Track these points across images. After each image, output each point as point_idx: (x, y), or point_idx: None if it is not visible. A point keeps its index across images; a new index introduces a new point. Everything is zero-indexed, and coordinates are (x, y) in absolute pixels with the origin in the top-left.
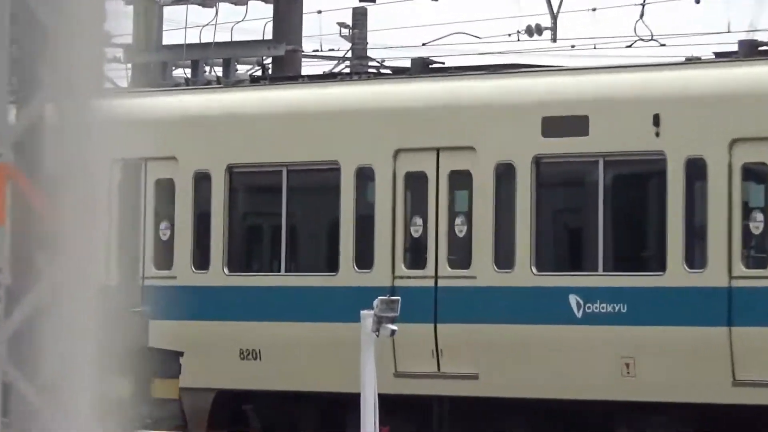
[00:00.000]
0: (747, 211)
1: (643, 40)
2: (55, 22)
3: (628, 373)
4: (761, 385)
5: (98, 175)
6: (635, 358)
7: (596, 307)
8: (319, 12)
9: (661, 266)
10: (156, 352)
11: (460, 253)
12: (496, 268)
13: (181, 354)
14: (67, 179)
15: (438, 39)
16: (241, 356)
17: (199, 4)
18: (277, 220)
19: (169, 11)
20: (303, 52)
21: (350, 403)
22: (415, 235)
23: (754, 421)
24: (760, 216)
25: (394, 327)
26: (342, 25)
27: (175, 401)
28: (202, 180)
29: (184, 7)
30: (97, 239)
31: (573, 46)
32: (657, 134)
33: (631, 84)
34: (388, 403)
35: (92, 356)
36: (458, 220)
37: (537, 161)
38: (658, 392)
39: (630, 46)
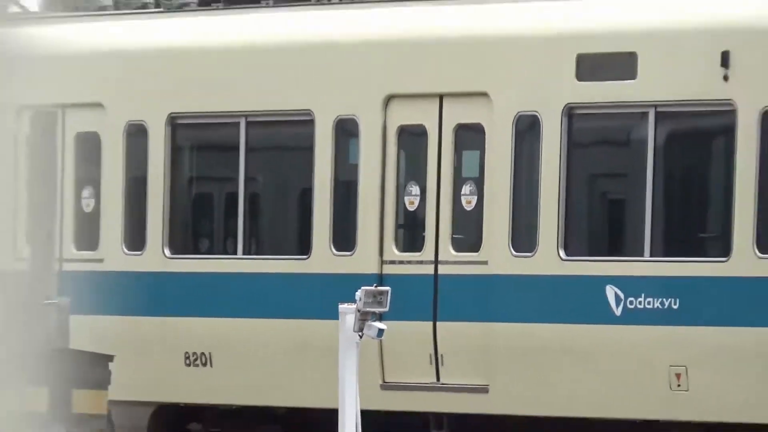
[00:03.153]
0: None
1: None
2: None
3: (679, 386)
4: None
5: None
6: (687, 366)
7: (639, 302)
8: None
9: (725, 249)
10: (78, 356)
11: (468, 231)
12: (513, 251)
13: (110, 358)
14: None
15: None
16: (187, 362)
17: None
18: (234, 187)
19: None
20: None
21: (325, 421)
22: (411, 207)
23: None
24: None
25: (381, 326)
26: None
27: (103, 417)
28: (136, 134)
29: None
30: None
31: None
32: (725, 77)
33: (693, 13)
34: (374, 423)
35: None
36: (466, 189)
37: (568, 111)
38: (714, 411)
39: None
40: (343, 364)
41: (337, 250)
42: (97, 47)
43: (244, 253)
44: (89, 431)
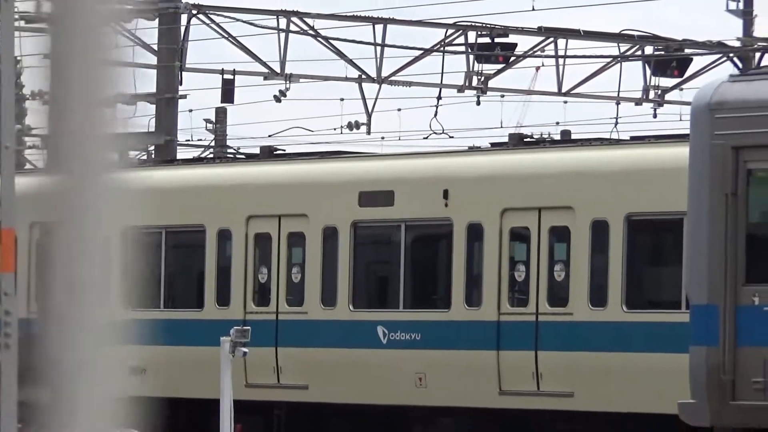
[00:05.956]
0: (513, 264)
1: (436, 133)
2: None
3: (421, 384)
4: (520, 394)
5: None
6: (426, 373)
7: (397, 335)
8: (190, 110)
9: (447, 305)
10: None
11: (296, 295)
12: (322, 306)
13: None
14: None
15: (281, 132)
16: (130, 371)
17: None
18: (158, 269)
19: None
20: (178, 141)
21: (213, 406)
22: (262, 280)
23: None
24: (522, 267)
25: (245, 350)
26: (207, 120)
27: None
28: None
29: None
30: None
31: (383, 137)
32: (446, 205)
33: (427, 166)
34: (240, 408)
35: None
36: (294, 270)
37: (354, 225)
38: (443, 399)
39: (426, 138)
40: (223, 372)
41: (219, 305)
42: None
43: (164, 307)
44: None
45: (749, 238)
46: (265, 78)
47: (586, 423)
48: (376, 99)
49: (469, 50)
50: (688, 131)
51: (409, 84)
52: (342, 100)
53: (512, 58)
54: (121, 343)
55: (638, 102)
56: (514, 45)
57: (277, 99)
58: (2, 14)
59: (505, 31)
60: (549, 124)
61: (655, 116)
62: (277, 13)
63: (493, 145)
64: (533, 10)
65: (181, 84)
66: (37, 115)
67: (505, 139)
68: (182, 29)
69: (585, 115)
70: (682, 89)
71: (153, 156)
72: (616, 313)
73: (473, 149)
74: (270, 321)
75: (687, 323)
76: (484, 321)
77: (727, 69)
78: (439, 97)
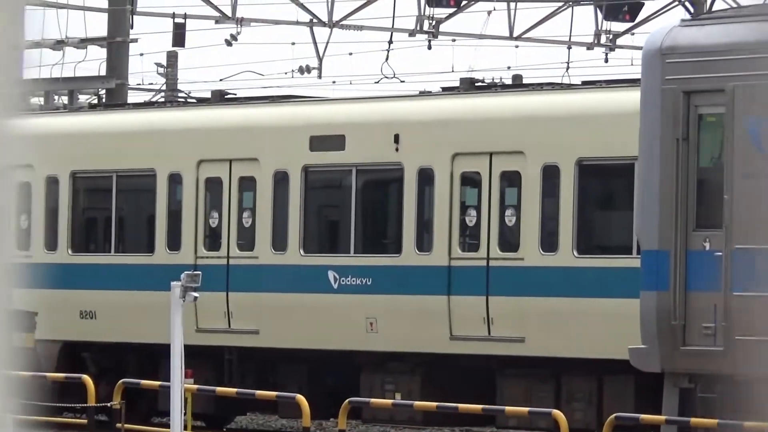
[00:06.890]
0: (464, 208)
1: (387, 77)
2: None
3: (372, 329)
4: (470, 339)
5: None
6: (377, 318)
7: (348, 280)
8: (141, 54)
9: (398, 249)
10: (17, 313)
11: (247, 239)
12: (273, 251)
13: (35, 314)
14: None
15: (232, 76)
16: (81, 316)
17: (50, 48)
18: (109, 214)
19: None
20: (129, 85)
21: (163, 351)
22: (213, 225)
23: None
24: (473, 212)
25: (196, 294)
26: (159, 65)
27: (32, 349)
28: (53, 183)
29: (39, 50)
30: None
31: (334, 82)
32: (396, 149)
33: (378, 111)
34: (191, 353)
35: None
36: (245, 214)
37: (305, 169)
38: (394, 344)
39: (377, 82)
40: (173, 317)
41: (170, 250)
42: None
43: (115, 252)
44: (23, 359)
45: (700, 183)
46: (217, 22)
47: (537, 368)
48: (327, 43)
49: None
50: (639, 76)
51: (360, 28)
52: (293, 44)
53: (464, 2)
54: (15, 287)
55: (590, 46)
56: None
57: (228, 43)
58: None
59: None
60: (500, 69)
61: (606, 61)
62: None
63: (444, 89)
64: None
65: (132, 28)
66: None
67: (457, 84)
68: None
69: (536, 60)
70: (633, 34)
71: (104, 100)
72: (567, 258)
73: (424, 94)
74: (221, 266)
75: (638, 268)
76: (434, 266)
77: (678, 13)
78: (390, 42)
